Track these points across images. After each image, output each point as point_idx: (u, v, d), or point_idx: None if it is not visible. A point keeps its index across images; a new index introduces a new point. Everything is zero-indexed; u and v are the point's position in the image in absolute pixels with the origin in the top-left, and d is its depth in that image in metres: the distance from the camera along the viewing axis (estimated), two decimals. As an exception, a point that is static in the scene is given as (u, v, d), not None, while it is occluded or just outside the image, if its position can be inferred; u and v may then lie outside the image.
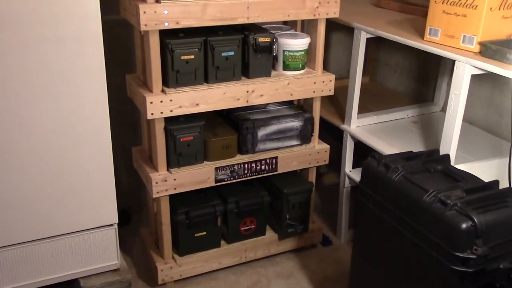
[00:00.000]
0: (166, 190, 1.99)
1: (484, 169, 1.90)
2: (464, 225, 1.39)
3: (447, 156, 1.77)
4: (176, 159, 1.98)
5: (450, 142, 1.83)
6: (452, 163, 1.79)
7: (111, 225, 1.91)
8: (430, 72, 2.60)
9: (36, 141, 1.72)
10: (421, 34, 1.98)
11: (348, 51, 2.36)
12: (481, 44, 1.75)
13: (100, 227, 1.90)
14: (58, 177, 1.79)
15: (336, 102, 2.57)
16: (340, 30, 2.83)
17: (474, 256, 1.39)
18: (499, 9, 1.76)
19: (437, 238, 1.46)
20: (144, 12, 1.73)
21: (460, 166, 1.82)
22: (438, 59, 2.38)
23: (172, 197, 2.05)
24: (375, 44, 2.80)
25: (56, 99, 1.71)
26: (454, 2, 1.81)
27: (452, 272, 1.42)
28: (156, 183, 1.96)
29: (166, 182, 1.97)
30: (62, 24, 1.64)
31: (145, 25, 1.75)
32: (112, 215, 1.90)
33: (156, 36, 1.80)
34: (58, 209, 1.82)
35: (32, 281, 1.87)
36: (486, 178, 1.63)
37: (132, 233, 2.50)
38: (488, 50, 1.72)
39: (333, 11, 2.04)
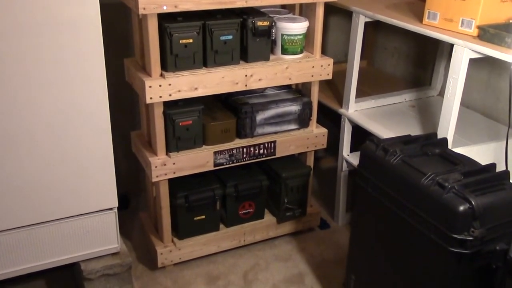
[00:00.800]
0: (165, 174, 2.00)
1: (481, 153, 1.91)
2: (461, 208, 1.41)
3: (444, 140, 1.78)
4: (175, 143, 1.99)
5: (448, 126, 1.84)
6: (449, 146, 1.80)
7: (111, 209, 1.92)
8: (428, 56, 2.60)
9: (35, 126, 1.72)
10: (419, 18, 1.98)
11: (346, 35, 2.36)
12: (480, 28, 1.76)
13: (100, 211, 1.91)
14: (58, 162, 1.80)
15: (334, 86, 2.57)
16: (339, 14, 2.82)
17: (471, 238, 1.41)
18: (498, -8, 1.76)
19: (435, 220, 1.47)
20: (142, -4, 1.72)
21: (458, 150, 1.84)
22: (436, 43, 2.38)
23: (171, 181, 2.06)
24: (373, 28, 2.80)
25: (54, 85, 1.71)
26: (453, -14, 1.81)
27: (449, 253, 1.44)
28: (156, 167, 1.97)
29: (165, 166, 1.98)
30: (60, 8, 1.63)
31: (144, 8, 1.74)
32: (112, 199, 1.91)
33: (154, 20, 1.80)
34: (58, 193, 1.83)
35: (32, 265, 1.88)
36: (483, 161, 1.64)
37: (131, 217, 2.51)
38: (487, 33, 1.72)
39: (332, -5, 2.04)
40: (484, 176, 1.53)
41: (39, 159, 1.76)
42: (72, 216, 1.88)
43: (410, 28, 1.95)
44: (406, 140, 1.75)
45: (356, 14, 2.18)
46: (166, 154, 2.00)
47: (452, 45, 1.80)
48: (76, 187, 1.85)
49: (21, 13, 1.58)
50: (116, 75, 2.13)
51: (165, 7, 1.76)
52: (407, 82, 2.68)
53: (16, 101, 1.67)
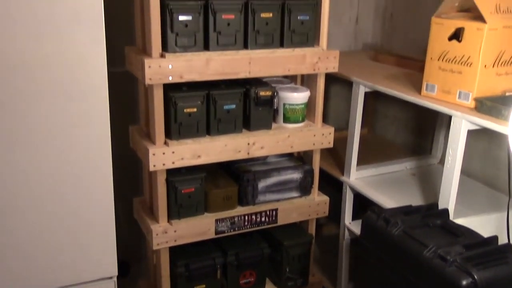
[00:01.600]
0: (167, 242, 1.99)
1: (483, 224, 1.90)
2: (464, 282, 1.39)
3: (446, 211, 1.78)
4: (177, 211, 1.99)
5: (449, 196, 1.85)
6: (451, 217, 1.80)
7: (110, 277, 1.90)
8: (427, 125, 2.64)
9: (37, 189, 1.73)
10: (418, 88, 2.03)
11: (347, 102, 2.41)
12: (477, 100, 1.80)
13: (99, 280, 1.88)
14: (57, 228, 1.79)
15: (336, 153, 2.60)
16: (339, 83, 2.90)
17: (475, 313, 1.38)
18: (493, 66, 1.81)
19: (438, 294, 1.45)
20: (149, 67, 1.78)
21: (459, 220, 1.83)
22: (435, 112, 2.42)
23: (172, 249, 2.04)
24: (373, 96, 2.86)
25: (59, 148, 1.73)
26: (450, 59, 1.87)
27: (453, 329, 1.41)
28: (157, 234, 1.96)
29: (166, 233, 1.98)
30: (69, 78, 1.69)
31: (150, 79, 1.79)
32: (111, 267, 1.88)
33: (160, 90, 1.85)
34: (57, 261, 1.81)
35: (27, 335, 1.84)
36: (485, 232, 1.64)
37: (131, 285, 2.47)
38: (484, 106, 1.76)
39: (332, 66, 2.10)
40: (486, 249, 1.52)
41: (38, 224, 1.76)
42: (70, 285, 1.85)
43: (409, 99, 1.99)
44: (407, 211, 1.75)
45: (356, 84, 2.24)
46: (168, 221, 2.00)
47: (450, 116, 1.83)
48: (74, 255, 1.83)
49: (34, 81, 1.63)
50: (121, 141, 2.17)
51: (170, 78, 1.82)
52: (408, 150, 2.71)
53: (20, 165, 1.69)
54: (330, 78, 2.33)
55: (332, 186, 2.54)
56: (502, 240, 1.65)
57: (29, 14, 1.56)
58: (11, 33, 1.56)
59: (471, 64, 1.81)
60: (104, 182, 1.83)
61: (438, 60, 1.91)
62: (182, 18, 1.81)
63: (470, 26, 1.79)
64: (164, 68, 1.80)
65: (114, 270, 1.88)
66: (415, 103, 1.98)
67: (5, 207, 1.70)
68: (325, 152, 2.56)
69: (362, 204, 2.24)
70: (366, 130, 2.91)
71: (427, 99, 1.94)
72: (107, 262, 1.87)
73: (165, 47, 1.83)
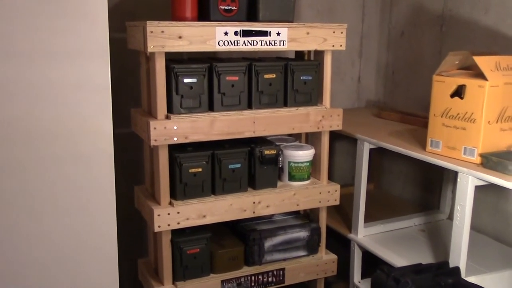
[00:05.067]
0: (171, 305, 1.95)
1: (496, 281, 1.86)
2: None
3: (457, 269, 1.74)
4: (182, 272, 1.96)
5: (459, 254, 1.81)
6: (462, 275, 1.76)
7: None
8: (434, 180, 2.63)
9: (41, 251, 1.71)
10: (422, 144, 2.04)
11: (352, 158, 2.41)
12: (482, 156, 1.79)
13: None
14: (62, 291, 1.76)
15: (342, 209, 2.57)
16: (344, 139, 2.91)
17: None
18: (496, 122, 1.82)
19: None
20: (155, 128, 1.80)
21: (471, 279, 1.79)
22: (441, 167, 2.41)
23: (177, 312, 1.99)
24: (378, 152, 2.86)
25: (64, 211, 1.73)
26: (453, 116, 1.88)
27: None
28: (161, 297, 1.92)
29: (171, 296, 1.94)
30: (75, 140, 1.70)
31: (155, 140, 1.81)
32: (115, 333, 1.84)
33: (165, 150, 1.86)
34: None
35: None
36: (499, 292, 1.59)
37: None
38: (490, 162, 1.76)
39: (336, 124, 2.12)
40: (501, 310, 1.47)
41: (39, 283, 1.73)
42: None
43: (415, 156, 1.99)
44: (417, 269, 1.72)
45: (360, 141, 2.24)
46: (173, 283, 1.96)
47: (457, 172, 1.83)
48: (79, 320, 1.79)
49: (36, 146, 1.65)
50: (125, 202, 2.16)
51: (175, 139, 1.83)
52: (415, 206, 2.68)
53: (21, 233, 1.68)
54: (335, 135, 2.34)
55: (340, 244, 2.50)
56: (517, 299, 1.60)
57: (37, 78, 1.60)
58: (16, 97, 1.59)
59: (474, 121, 1.82)
60: (109, 243, 1.81)
61: (442, 116, 1.92)
62: (187, 80, 1.85)
63: (471, 84, 1.81)
64: (169, 129, 1.82)
65: (117, 337, 1.83)
66: (421, 159, 1.97)
67: (8, 262, 1.68)
68: (332, 209, 2.53)
69: (371, 261, 2.20)
70: (372, 185, 2.89)
71: (433, 156, 1.94)
72: (111, 328, 1.82)
73: (170, 109, 1.86)
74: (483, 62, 1.80)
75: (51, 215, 1.71)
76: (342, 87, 2.95)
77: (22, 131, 1.63)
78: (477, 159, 1.82)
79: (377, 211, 2.52)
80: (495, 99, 1.80)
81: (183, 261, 1.94)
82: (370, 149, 2.24)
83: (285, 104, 2.04)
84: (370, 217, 2.38)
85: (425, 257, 2.07)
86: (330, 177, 2.23)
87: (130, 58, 2.16)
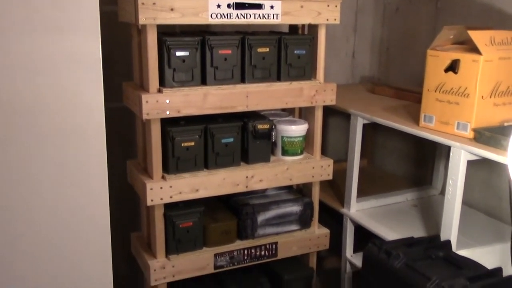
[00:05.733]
0: (164, 278, 1.95)
1: (486, 255, 1.88)
2: (469, 316, 1.36)
3: (448, 242, 1.76)
4: (175, 246, 1.96)
5: (451, 228, 1.82)
6: (453, 249, 1.78)
7: (107, 316, 1.86)
8: (426, 155, 2.63)
9: (32, 223, 1.71)
10: (416, 119, 2.03)
11: (346, 134, 2.41)
12: (475, 130, 1.79)
13: (96, 318, 1.84)
14: (53, 262, 1.76)
15: (335, 185, 2.58)
16: (337, 115, 2.90)
17: None
18: (490, 97, 1.82)
19: (442, 329, 1.42)
20: (147, 102, 1.78)
21: (462, 252, 1.81)
22: (434, 143, 2.42)
23: (170, 284, 2.01)
24: (372, 128, 2.86)
25: (55, 184, 1.72)
26: (446, 91, 1.88)
27: None
28: (155, 270, 1.93)
29: (164, 269, 1.94)
30: (66, 114, 1.69)
31: (147, 114, 1.80)
32: (108, 305, 1.85)
33: (157, 125, 1.85)
34: (53, 299, 1.78)
35: None
36: (489, 264, 1.61)
37: (128, 322, 2.42)
38: (483, 136, 1.76)
39: (330, 99, 2.11)
40: (490, 281, 1.49)
41: (33, 261, 1.73)
42: (66, 324, 1.81)
43: (408, 130, 1.99)
44: (409, 243, 1.73)
45: (354, 117, 2.24)
46: (166, 256, 1.97)
47: (449, 147, 1.83)
48: (71, 292, 1.80)
49: (27, 121, 1.63)
50: (118, 176, 2.16)
51: (168, 112, 1.82)
52: (408, 181, 2.69)
53: (13, 205, 1.68)
54: (328, 111, 2.33)
55: (333, 219, 2.51)
56: (507, 271, 1.61)
57: (26, 52, 1.57)
58: (6, 71, 1.57)
59: (468, 95, 1.81)
60: (101, 218, 1.81)
61: (435, 91, 1.92)
62: (179, 54, 1.83)
63: (466, 58, 1.80)
64: (161, 103, 1.80)
65: (111, 309, 1.84)
66: (413, 134, 1.97)
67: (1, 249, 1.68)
68: (325, 184, 2.54)
69: (364, 236, 2.22)
70: (365, 161, 2.90)
71: (426, 130, 1.94)
72: (104, 300, 1.83)
73: (162, 83, 1.84)
74: (477, 36, 1.79)
75: (42, 190, 1.71)
76: (336, 62, 2.93)
77: (12, 104, 1.61)
78: (470, 134, 1.82)
79: (370, 187, 2.53)
80: (489, 74, 1.79)
81: (176, 234, 1.94)
82: (364, 125, 2.24)
83: (279, 79, 2.03)
84: (363, 193, 2.39)
85: (417, 231, 2.08)
86: (324, 153, 2.22)
87: (121, 31, 2.13)
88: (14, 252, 1.70)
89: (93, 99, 1.72)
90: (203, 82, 1.91)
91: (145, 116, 1.80)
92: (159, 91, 1.82)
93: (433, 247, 1.70)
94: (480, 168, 2.27)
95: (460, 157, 1.77)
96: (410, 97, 2.43)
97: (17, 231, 1.70)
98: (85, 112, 1.72)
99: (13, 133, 1.63)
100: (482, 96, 1.80)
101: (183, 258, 1.97)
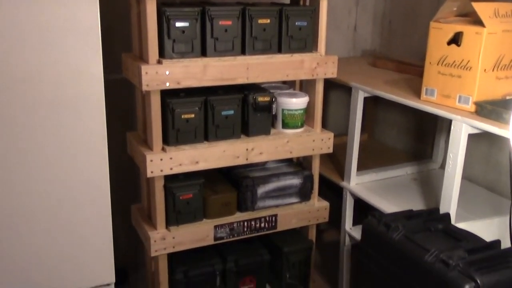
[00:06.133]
0: (165, 249, 1.97)
1: (485, 228, 1.89)
2: (467, 286, 1.37)
3: (447, 215, 1.77)
4: (175, 217, 1.97)
5: (450, 201, 1.83)
6: (452, 221, 1.79)
7: (108, 284, 1.88)
8: (427, 129, 2.63)
9: (33, 197, 1.72)
10: (417, 93, 2.02)
11: (346, 108, 2.40)
12: (477, 104, 1.78)
13: (97, 287, 1.86)
14: (55, 234, 1.78)
15: (335, 159, 2.58)
16: (338, 88, 2.88)
17: (478, 319, 1.36)
18: (492, 70, 1.80)
19: (439, 300, 1.43)
20: (146, 73, 1.77)
21: (461, 225, 1.82)
22: (435, 117, 2.41)
23: (171, 256, 2.02)
24: (373, 101, 2.85)
25: (55, 156, 1.72)
26: (449, 64, 1.86)
27: (456, 335, 1.39)
28: (155, 241, 1.94)
29: (164, 240, 1.96)
30: (65, 85, 1.68)
31: (147, 85, 1.78)
32: (109, 274, 1.87)
33: (157, 96, 1.84)
34: (54, 268, 1.79)
35: None
36: (487, 237, 1.62)
37: (129, 293, 2.45)
38: (484, 110, 1.75)
39: (331, 72, 2.09)
40: (489, 254, 1.50)
41: (35, 231, 1.74)
42: (67, 292, 1.83)
43: (409, 104, 1.98)
44: (408, 215, 1.74)
45: (355, 90, 2.23)
46: (166, 228, 1.98)
47: (450, 120, 1.82)
48: (72, 261, 1.81)
49: (26, 89, 1.62)
50: (118, 148, 2.15)
51: (167, 84, 1.81)
52: (408, 155, 2.69)
53: (14, 176, 1.68)
54: (329, 84, 2.32)
55: (332, 192, 2.52)
56: (505, 244, 1.63)
57: (25, 22, 1.56)
58: (6, 42, 1.55)
59: (470, 68, 1.80)
60: (101, 189, 1.82)
61: (438, 64, 1.90)
62: (179, 24, 1.81)
63: (469, 30, 1.78)
64: (161, 74, 1.79)
65: (111, 277, 1.86)
66: (415, 107, 1.96)
67: (1, 217, 1.69)
68: (325, 158, 2.54)
69: (363, 209, 2.22)
70: (366, 135, 2.89)
71: (427, 104, 1.93)
72: (105, 269, 1.85)
73: (162, 54, 1.82)
74: (481, 8, 1.76)
75: (41, 162, 1.71)
76: (338, 35, 2.90)
77: (10, 75, 1.60)
78: (471, 107, 1.81)
79: (370, 160, 2.53)
80: (492, 47, 1.77)
81: (176, 206, 1.95)
82: (365, 98, 2.23)
83: (279, 51, 2.01)
84: (363, 166, 2.39)
85: (417, 205, 2.09)
86: (324, 127, 2.22)
87: (120, 2, 2.10)
88: (15, 223, 1.71)
89: (92, 69, 1.71)
90: (203, 53, 1.89)
91: (144, 88, 1.78)
92: (159, 62, 1.81)
93: (432, 220, 1.70)
94: (480, 143, 2.27)
95: (461, 131, 1.77)
96: (412, 70, 2.41)
97: (17, 200, 1.70)
98: (85, 83, 1.71)
99: (10, 103, 1.62)
100: (485, 69, 1.78)
101: (183, 230, 1.98)
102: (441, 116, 1.87)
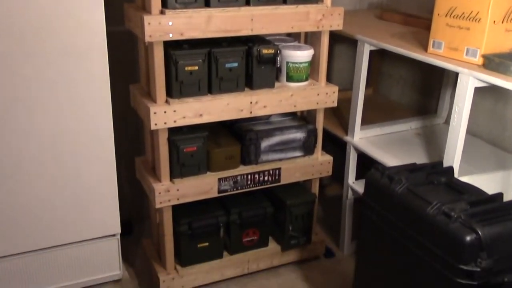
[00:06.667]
0: (169, 201, 1.99)
1: (488, 182, 1.89)
2: (468, 238, 1.38)
3: (450, 169, 1.77)
4: (179, 170, 1.98)
5: (454, 154, 1.83)
6: (455, 175, 1.79)
7: (113, 235, 1.91)
8: (433, 84, 2.60)
9: (39, 150, 1.73)
10: (424, 46, 1.99)
11: (352, 63, 2.38)
12: (485, 56, 1.76)
13: (103, 237, 1.90)
14: (61, 187, 1.80)
15: (340, 113, 2.57)
16: (344, 42, 2.84)
17: (478, 269, 1.38)
18: (502, 22, 1.76)
19: (441, 250, 1.45)
20: (149, 24, 1.74)
21: (464, 178, 1.82)
22: (441, 71, 2.39)
23: (175, 208, 2.05)
24: (379, 56, 2.81)
25: (60, 109, 1.72)
26: (457, 15, 1.82)
27: (456, 285, 1.41)
28: (159, 193, 1.96)
29: (169, 192, 1.97)
30: (68, 37, 1.66)
31: (150, 36, 1.76)
32: (114, 225, 1.90)
33: (160, 47, 1.81)
34: (61, 219, 1.82)
35: (33, 291, 1.87)
36: (490, 190, 1.62)
37: (134, 244, 2.49)
38: (492, 62, 1.72)
39: (337, 23, 2.05)
40: (491, 206, 1.51)
41: (41, 184, 1.76)
42: (74, 242, 1.87)
43: (415, 57, 1.95)
44: (411, 169, 1.74)
45: (361, 43, 2.19)
46: (170, 180, 2.00)
47: (457, 74, 1.80)
48: (78, 213, 1.84)
49: (30, 42, 1.60)
50: (122, 101, 2.15)
51: (171, 35, 1.78)
52: (413, 110, 2.68)
53: (21, 123, 1.68)
54: (335, 37, 2.28)
55: (336, 146, 2.52)
56: (507, 197, 1.63)
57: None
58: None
59: (479, 20, 1.76)
60: (106, 142, 1.82)
61: (446, 16, 1.86)
62: (182, -28, 1.77)
63: (479, -20, 1.73)
64: (164, 25, 1.76)
65: (117, 228, 1.90)
66: (421, 60, 1.94)
67: (8, 167, 1.70)
68: (329, 112, 2.53)
69: (366, 164, 2.23)
70: (371, 90, 2.87)
71: (434, 57, 1.90)
72: (110, 220, 1.89)
73: (165, 4, 1.78)
74: (493, -43, 1.71)
75: (47, 113, 1.70)
76: (344, -13, 2.83)
77: (13, 27, 1.58)
78: (479, 60, 1.78)
79: (374, 115, 2.52)
80: (503, -3, 1.73)
81: (180, 159, 1.96)
82: (370, 51, 2.19)
83: (285, 1, 1.96)
84: (367, 121, 2.38)
85: (420, 159, 2.09)
86: (329, 82, 2.19)
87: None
88: (22, 174, 1.73)
89: (94, 19, 1.68)
90: (207, 4, 1.85)
91: (147, 39, 1.76)
92: (162, 12, 1.77)
93: (435, 173, 1.71)
94: (485, 97, 2.25)
95: (468, 84, 1.75)
96: (419, 23, 2.37)
97: (23, 152, 1.71)
98: (87, 33, 1.68)
99: (14, 54, 1.60)
100: (494, 21, 1.75)
101: (187, 182, 2.00)
102: (448, 69, 1.85)
